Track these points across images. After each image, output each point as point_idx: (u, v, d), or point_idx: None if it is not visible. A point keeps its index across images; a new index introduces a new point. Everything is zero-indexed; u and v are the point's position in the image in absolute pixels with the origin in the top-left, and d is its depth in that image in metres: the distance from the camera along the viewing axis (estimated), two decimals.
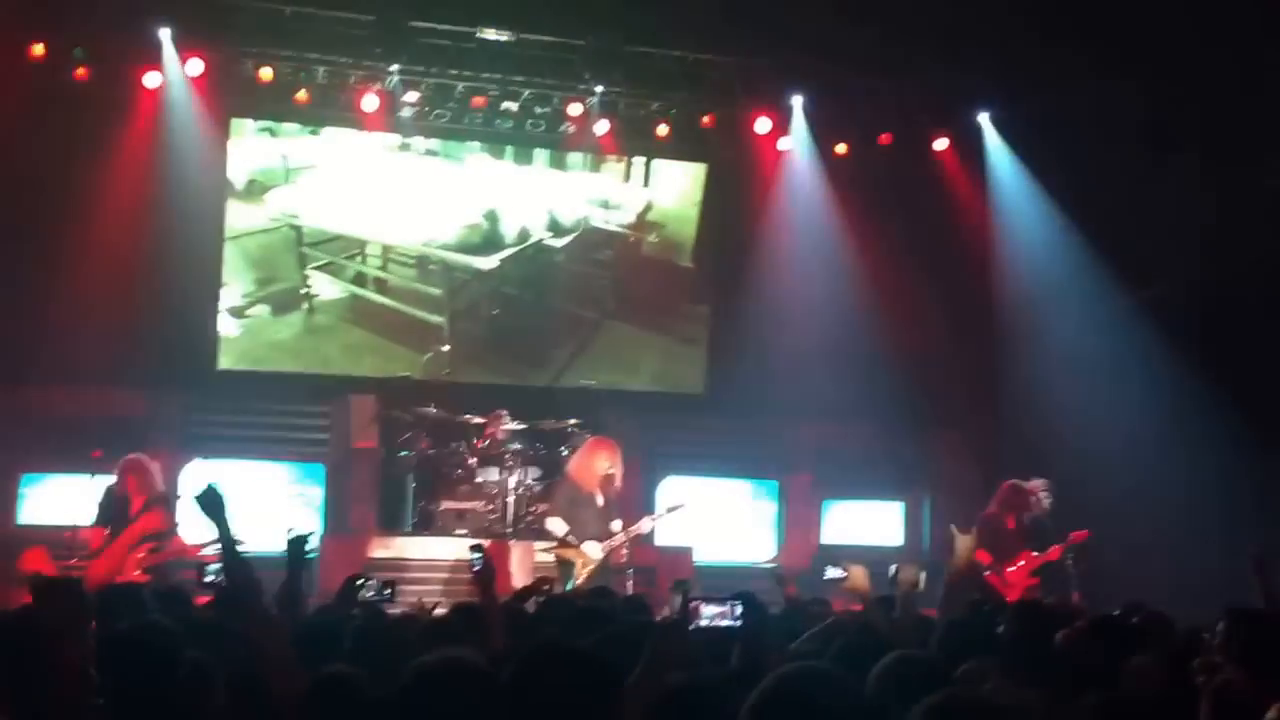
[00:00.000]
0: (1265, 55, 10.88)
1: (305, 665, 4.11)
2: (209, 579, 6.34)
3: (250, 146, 12.83)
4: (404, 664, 4.36)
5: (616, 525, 9.75)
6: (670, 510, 10.51)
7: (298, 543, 5.50)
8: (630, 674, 3.64)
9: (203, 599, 6.33)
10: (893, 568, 6.07)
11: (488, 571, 5.49)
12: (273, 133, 12.88)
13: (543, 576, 8.01)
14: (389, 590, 5.94)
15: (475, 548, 5.65)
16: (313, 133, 12.95)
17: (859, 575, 5.97)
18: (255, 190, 12.86)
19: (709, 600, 4.02)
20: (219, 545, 4.46)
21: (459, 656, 3.22)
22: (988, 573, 9.65)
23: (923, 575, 6.16)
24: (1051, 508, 10.15)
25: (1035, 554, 9.89)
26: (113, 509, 9.21)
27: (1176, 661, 4.38)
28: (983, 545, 9.92)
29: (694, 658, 4.03)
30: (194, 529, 9.79)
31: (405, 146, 13.18)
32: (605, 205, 13.80)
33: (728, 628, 3.96)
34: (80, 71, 11.85)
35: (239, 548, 4.34)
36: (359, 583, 5.83)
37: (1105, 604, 7.20)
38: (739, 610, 3.98)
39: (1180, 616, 5.87)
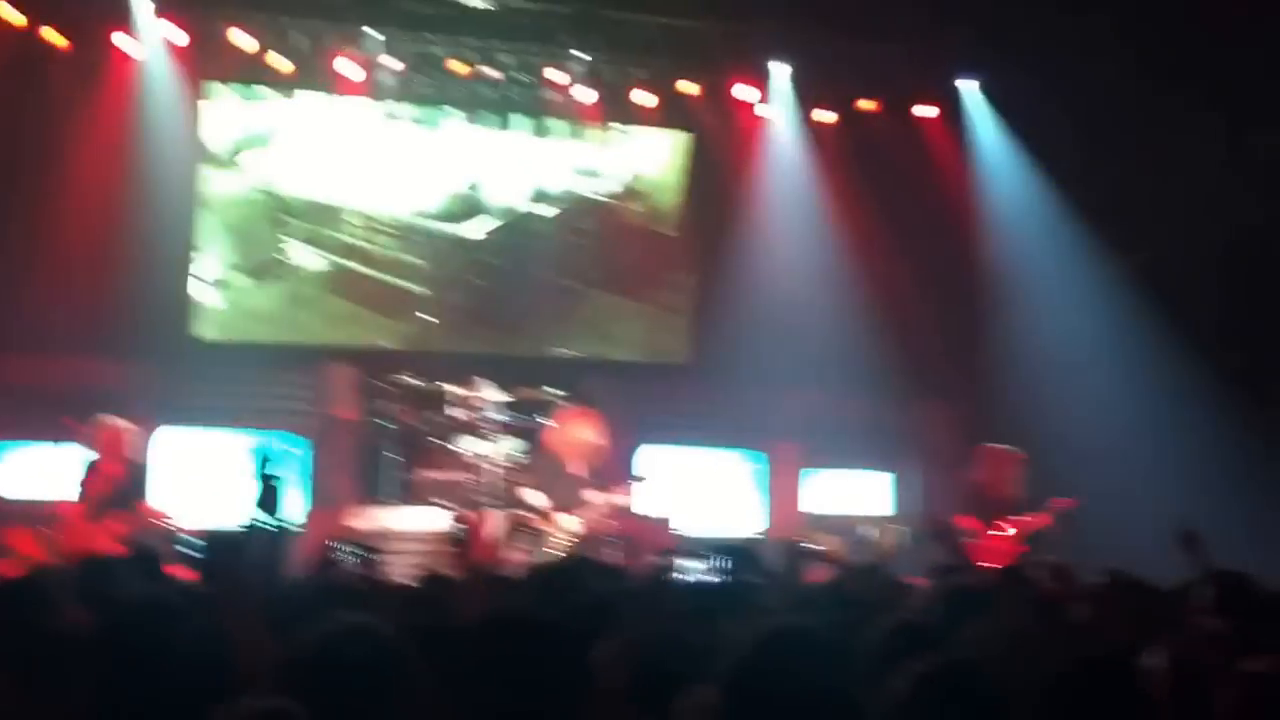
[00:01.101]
0: (1255, 17, 10.83)
1: (281, 634, 4.05)
2: (184, 550, 6.25)
3: (227, 113, 12.71)
4: None
5: (595, 496, 9.66)
6: (636, 480, 10.42)
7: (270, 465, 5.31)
8: (604, 639, 3.60)
9: (172, 568, 6.24)
10: (875, 530, 6.07)
11: (468, 541, 5.44)
12: (250, 98, 12.74)
13: (517, 519, 7.91)
14: (368, 555, 5.85)
15: (458, 518, 5.61)
16: (290, 98, 12.80)
17: (833, 543, 6.01)
18: (233, 157, 12.74)
19: (693, 556, 3.97)
20: (255, 515, 4.50)
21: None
22: (973, 540, 9.60)
23: (904, 536, 6.16)
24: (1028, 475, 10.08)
25: (1022, 520, 9.84)
26: (86, 477, 9.12)
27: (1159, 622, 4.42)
28: (967, 512, 9.89)
29: (677, 616, 3.99)
30: (165, 497, 9.76)
31: (388, 115, 13.06)
32: (589, 174, 13.70)
33: (711, 584, 3.92)
34: (54, 36, 11.72)
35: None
36: (334, 547, 5.75)
37: (1089, 571, 7.14)
38: (725, 566, 3.93)
39: (1164, 584, 5.85)
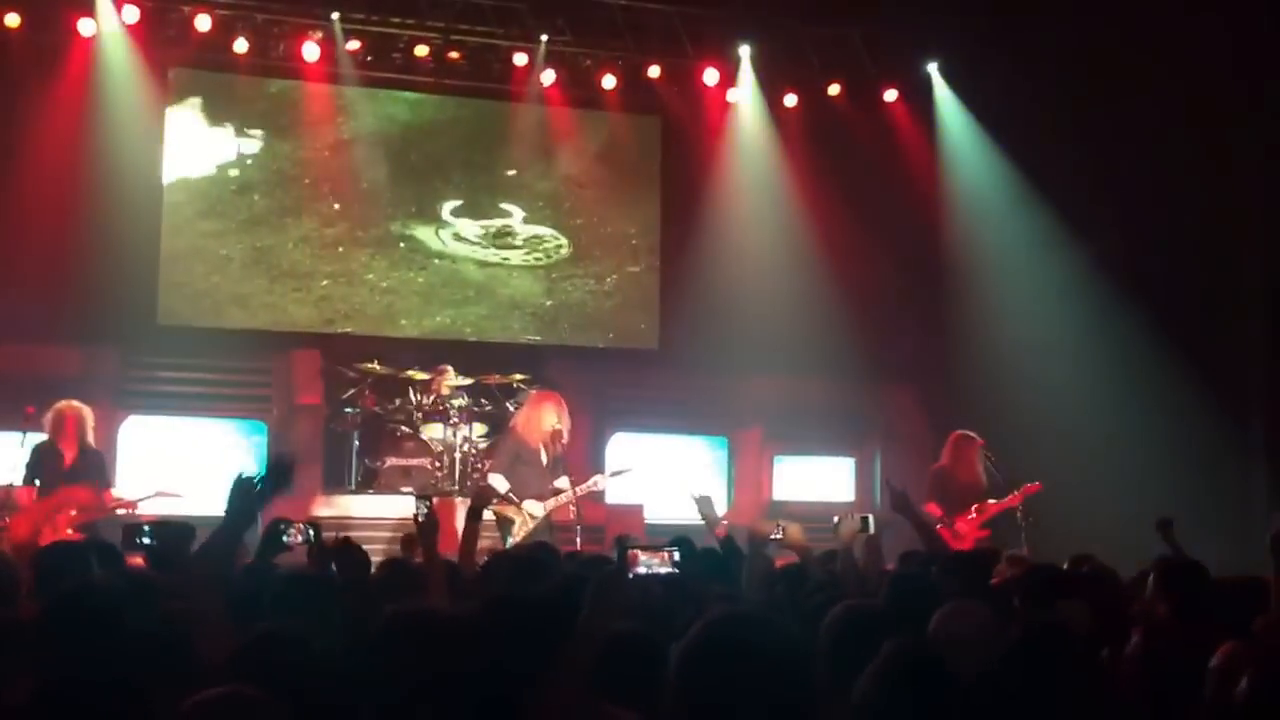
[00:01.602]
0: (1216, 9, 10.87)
1: (236, 621, 4.01)
2: (144, 540, 6.15)
3: (189, 95, 12.59)
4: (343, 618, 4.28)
5: (563, 482, 9.60)
6: (615, 474, 10.37)
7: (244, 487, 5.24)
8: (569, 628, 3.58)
9: (133, 558, 6.16)
10: (835, 518, 6.07)
11: (431, 524, 5.39)
12: (211, 82, 12.63)
13: (482, 488, 7.84)
14: (315, 533, 5.75)
15: (421, 499, 5.56)
16: (251, 81, 12.69)
17: (795, 531, 6.01)
18: (195, 141, 12.62)
19: (647, 548, 3.95)
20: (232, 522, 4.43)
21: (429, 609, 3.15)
22: (939, 525, 9.59)
23: (869, 523, 6.16)
24: (997, 460, 10.07)
25: (989, 503, 9.82)
26: (42, 462, 8.99)
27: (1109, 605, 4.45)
28: (933, 498, 9.89)
29: (636, 605, 3.98)
30: (127, 484, 9.66)
31: (352, 99, 12.95)
32: (553, 158, 13.62)
33: (667, 574, 3.91)
34: (11, 18, 11.56)
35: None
36: (282, 527, 5.65)
37: (1052, 556, 7.17)
38: (676, 556, 3.92)
39: (1125, 570, 5.87)
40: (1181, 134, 11.31)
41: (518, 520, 9.31)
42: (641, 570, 3.86)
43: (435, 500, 5.88)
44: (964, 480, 9.98)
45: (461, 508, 10.66)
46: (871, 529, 6.20)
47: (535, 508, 9.33)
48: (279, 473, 4.72)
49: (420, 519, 5.44)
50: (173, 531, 5.65)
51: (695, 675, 2.50)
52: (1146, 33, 11.07)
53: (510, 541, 9.04)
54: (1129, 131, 11.64)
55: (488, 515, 9.56)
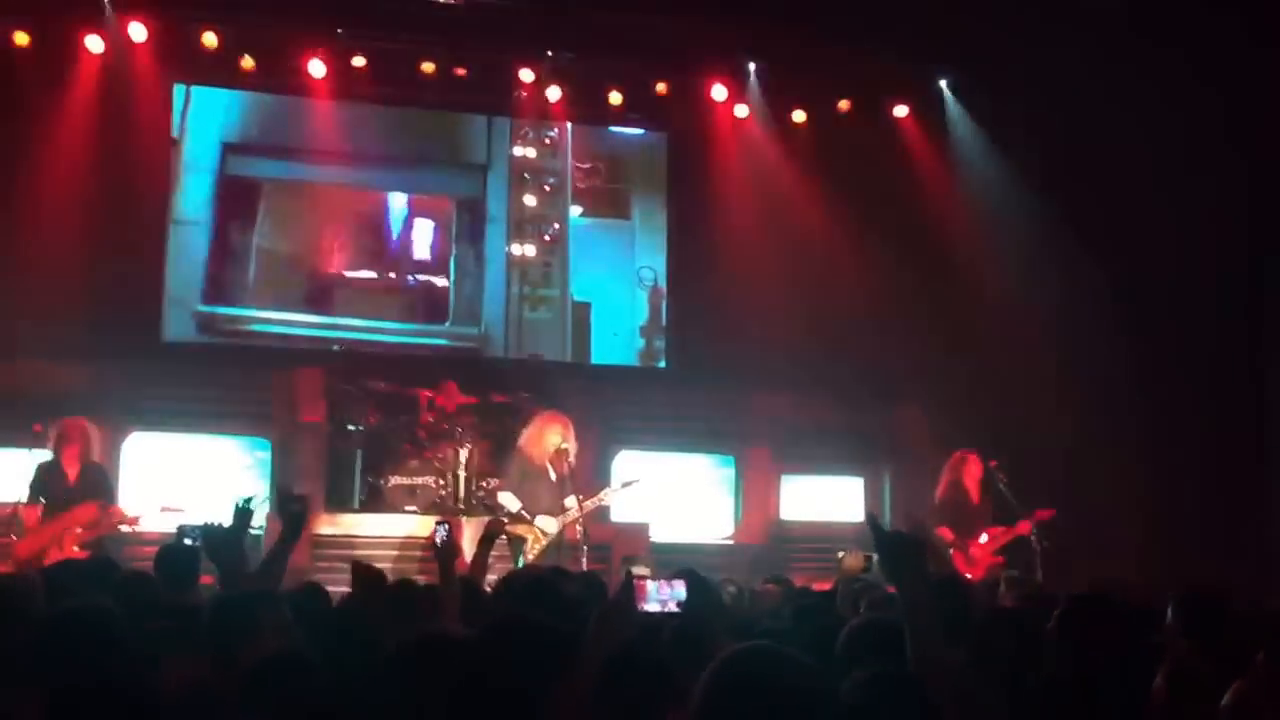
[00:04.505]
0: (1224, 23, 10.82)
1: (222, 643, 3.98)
2: (192, 540, 6.34)
3: (195, 112, 12.56)
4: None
5: (570, 500, 9.53)
6: (625, 485, 10.29)
7: (243, 510, 5.35)
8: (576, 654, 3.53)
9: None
10: (840, 554, 6.04)
11: (450, 548, 5.37)
12: (217, 98, 12.61)
13: (493, 520, 7.80)
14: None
15: (441, 523, 5.59)
16: (257, 97, 12.69)
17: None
18: (202, 157, 12.58)
19: (656, 579, 3.87)
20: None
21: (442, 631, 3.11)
22: (952, 550, 9.45)
23: (873, 563, 6.11)
24: (1010, 482, 9.90)
25: (1000, 529, 9.67)
26: (47, 481, 8.95)
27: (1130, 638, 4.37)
28: (944, 522, 9.73)
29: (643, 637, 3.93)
30: (131, 500, 9.60)
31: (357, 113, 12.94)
32: (559, 174, 13.57)
33: (674, 613, 3.82)
34: (19, 35, 11.56)
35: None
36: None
37: (1068, 583, 7.08)
38: (681, 589, 3.83)
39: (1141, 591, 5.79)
40: (1199, 151, 11.23)
41: (530, 538, 9.25)
42: (649, 606, 3.78)
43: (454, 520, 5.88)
44: (969, 503, 9.80)
45: (468, 527, 10.64)
46: (875, 568, 6.16)
47: (549, 524, 9.26)
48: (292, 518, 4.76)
49: (440, 542, 5.45)
50: (219, 531, 5.71)
51: (718, 708, 2.44)
52: (1162, 48, 10.99)
53: (522, 560, 8.97)
54: (1143, 147, 11.55)
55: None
